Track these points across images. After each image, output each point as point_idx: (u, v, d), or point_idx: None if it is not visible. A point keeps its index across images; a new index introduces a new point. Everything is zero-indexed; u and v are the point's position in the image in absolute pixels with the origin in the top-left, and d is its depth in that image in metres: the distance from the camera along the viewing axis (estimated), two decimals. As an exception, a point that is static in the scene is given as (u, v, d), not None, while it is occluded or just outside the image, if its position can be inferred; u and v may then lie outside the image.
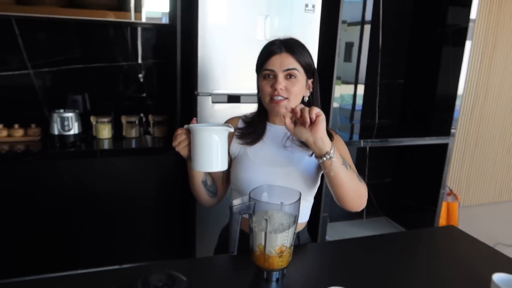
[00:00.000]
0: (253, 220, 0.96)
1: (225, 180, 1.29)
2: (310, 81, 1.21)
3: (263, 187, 1.02)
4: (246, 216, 0.98)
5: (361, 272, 1.07)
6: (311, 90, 1.22)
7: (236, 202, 0.94)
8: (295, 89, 1.15)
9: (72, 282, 0.98)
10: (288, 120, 1.01)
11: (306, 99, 1.21)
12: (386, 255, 1.17)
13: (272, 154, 1.20)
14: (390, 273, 1.06)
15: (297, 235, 1.25)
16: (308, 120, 0.98)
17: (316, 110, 0.99)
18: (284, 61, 1.13)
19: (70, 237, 2.06)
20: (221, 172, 1.26)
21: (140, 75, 2.43)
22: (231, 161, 1.26)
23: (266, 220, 0.93)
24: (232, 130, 1.03)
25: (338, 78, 2.82)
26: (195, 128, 1.01)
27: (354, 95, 3.02)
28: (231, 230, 0.96)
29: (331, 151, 1.02)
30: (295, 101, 1.17)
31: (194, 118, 1.08)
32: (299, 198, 0.96)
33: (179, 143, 1.06)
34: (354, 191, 1.10)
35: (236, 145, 1.25)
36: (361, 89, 3.02)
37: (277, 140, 1.22)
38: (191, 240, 2.24)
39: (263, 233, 0.94)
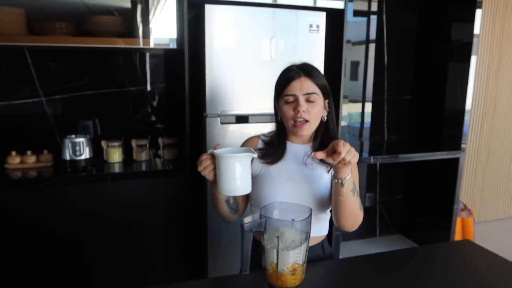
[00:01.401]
0: (265, 237, 0.95)
1: (246, 197, 1.33)
2: (326, 102, 1.26)
3: (273, 204, 1.01)
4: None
5: (374, 285, 1.05)
6: (327, 109, 1.27)
7: (247, 220, 0.94)
8: (315, 111, 1.21)
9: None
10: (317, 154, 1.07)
11: (325, 118, 1.27)
12: (400, 271, 1.15)
13: (294, 171, 1.26)
14: (403, 285, 1.05)
15: (321, 245, 1.30)
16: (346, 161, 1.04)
17: (354, 154, 1.05)
18: (303, 85, 1.20)
19: (82, 262, 2.06)
20: None
21: (153, 101, 2.48)
22: (252, 179, 1.28)
23: (278, 237, 0.92)
24: (255, 156, 1.07)
25: (345, 96, 2.84)
26: (219, 155, 1.05)
27: (362, 113, 3.04)
28: (242, 249, 0.95)
29: (346, 178, 1.10)
30: (315, 122, 1.24)
31: (218, 144, 1.13)
32: (310, 215, 0.95)
33: (205, 168, 1.11)
34: (352, 215, 1.18)
35: (258, 164, 1.29)
36: (368, 107, 3.03)
37: (298, 158, 1.28)
38: (203, 262, 2.23)
39: (275, 251, 0.93)
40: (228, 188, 1.07)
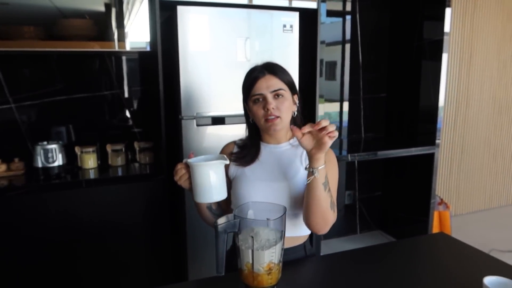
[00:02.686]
0: (239, 238, 0.94)
1: (228, 200, 1.32)
2: (295, 97, 1.27)
3: (247, 204, 1.01)
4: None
5: (352, 284, 1.06)
6: (297, 104, 1.28)
7: (221, 220, 0.93)
8: (285, 106, 1.22)
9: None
10: (297, 130, 1.06)
11: (295, 113, 1.28)
12: (377, 265, 1.16)
13: (269, 170, 1.26)
14: (382, 283, 1.05)
15: (303, 246, 1.30)
16: (329, 133, 1.03)
17: (334, 130, 1.04)
18: (269, 83, 1.21)
19: (58, 270, 2.00)
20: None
21: (129, 105, 2.44)
22: (230, 182, 1.30)
23: (252, 237, 0.92)
24: (227, 162, 1.08)
25: (321, 96, 2.87)
26: (192, 164, 1.07)
27: (341, 112, 3.07)
28: (217, 250, 0.94)
29: (319, 167, 1.09)
30: (287, 117, 1.24)
31: (192, 152, 1.14)
32: (284, 213, 0.95)
33: (180, 177, 1.13)
34: (322, 213, 1.14)
35: (234, 168, 1.29)
36: (347, 106, 3.06)
37: (273, 157, 1.27)
38: (183, 265, 2.20)
39: (250, 251, 0.92)
40: (204, 196, 1.08)
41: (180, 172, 1.13)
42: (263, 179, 1.24)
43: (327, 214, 1.15)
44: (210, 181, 1.07)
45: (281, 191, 1.22)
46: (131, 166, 2.30)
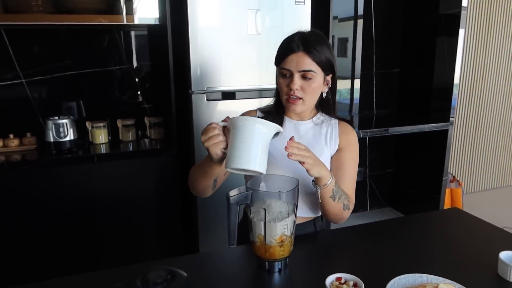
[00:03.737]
0: (252, 210, 0.94)
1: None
2: (328, 77, 1.19)
3: (260, 177, 1.00)
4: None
5: (364, 258, 1.05)
6: (329, 85, 1.21)
7: (233, 192, 0.92)
8: (311, 89, 1.15)
9: (72, 284, 0.96)
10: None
11: (325, 95, 1.22)
12: (389, 240, 1.15)
13: None
14: (395, 257, 1.04)
15: (313, 223, 1.27)
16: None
17: (303, 158, 0.99)
18: (300, 61, 1.12)
19: (71, 244, 2.04)
20: None
21: (139, 81, 2.42)
22: None
23: (265, 209, 0.91)
24: (282, 131, 0.98)
25: None
26: (243, 119, 0.91)
27: (352, 89, 3.01)
28: (229, 222, 0.94)
29: (321, 187, 1.06)
30: (310, 100, 1.18)
31: (228, 117, 0.97)
32: (297, 186, 0.94)
33: (210, 138, 0.95)
34: (334, 215, 1.15)
35: None
36: (358, 83, 3.01)
37: (296, 135, 1.22)
38: (194, 238, 2.22)
39: (262, 223, 0.92)
40: (241, 159, 0.89)
41: (213, 131, 0.94)
42: (285, 158, 1.13)
43: (340, 215, 1.15)
44: (257, 144, 0.90)
45: (303, 171, 1.12)
46: (141, 141, 2.30)
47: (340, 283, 0.84)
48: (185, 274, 0.89)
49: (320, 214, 1.29)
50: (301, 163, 0.99)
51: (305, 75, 1.13)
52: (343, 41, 2.94)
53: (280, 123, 1.22)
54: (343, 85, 3.00)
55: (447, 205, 2.93)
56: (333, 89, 1.23)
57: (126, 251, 2.14)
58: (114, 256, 2.12)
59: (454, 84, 2.63)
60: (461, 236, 1.19)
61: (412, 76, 3.01)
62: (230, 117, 0.96)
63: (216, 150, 0.95)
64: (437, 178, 2.79)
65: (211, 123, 0.97)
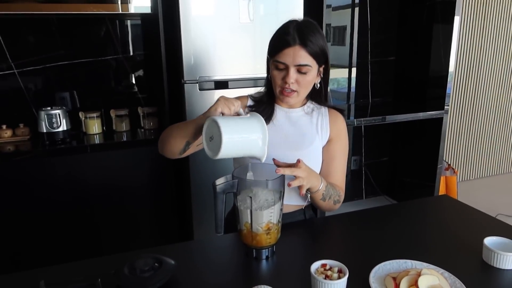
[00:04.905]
0: (238, 199, 0.94)
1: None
2: (321, 68, 1.18)
3: (247, 165, 1.00)
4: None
5: (352, 244, 1.06)
6: (322, 76, 1.20)
7: (220, 181, 0.93)
8: (305, 82, 1.14)
9: (62, 272, 0.97)
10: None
11: (318, 86, 1.21)
12: (377, 227, 1.16)
13: (283, 137, 1.20)
14: (382, 243, 1.05)
15: (303, 211, 1.27)
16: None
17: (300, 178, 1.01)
18: (296, 55, 1.09)
19: (65, 235, 2.05)
20: None
21: (133, 71, 2.41)
22: None
23: (251, 197, 0.91)
24: (262, 161, 0.97)
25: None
26: (261, 120, 0.95)
27: (349, 78, 3.00)
28: (216, 210, 0.94)
29: (313, 192, 1.10)
30: (305, 93, 1.18)
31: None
32: (283, 174, 0.94)
33: (229, 104, 0.97)
34: (325, 209, 1.20)
35: None
36: (355, 71, 2.99)
37: (287, 123, 1.22)
38: (189, 227, 2.24)
39: (248, 211, 0.92)
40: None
41: (236, 102, 0.98)
42: (276, 146, 1.16)
43: (331, 208, 1.18)
44: (244, 142, 0.92)
45: (294, 160, 1.12)
46: (135, 132, 2.29)
47: (325, 269, 0.84)
48: (173, 262, 0.89)
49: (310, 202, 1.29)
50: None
51: (300, 69, 1.11)
52: (339, 30, 2.92)
53: (271, 111, 1.22)
54: (340, 73, 2.99)
55: (441, 192, 2.95)
56: (325, 79, 1.22)
57: (121, 241, 2.16)
58: (109, 246, 2.14)
59: (449, 72, 2.62)
60: (449, 223, 1.20)
61: (407, 64, 3.00)
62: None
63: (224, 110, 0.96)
64: (432, 166, 2.80)
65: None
